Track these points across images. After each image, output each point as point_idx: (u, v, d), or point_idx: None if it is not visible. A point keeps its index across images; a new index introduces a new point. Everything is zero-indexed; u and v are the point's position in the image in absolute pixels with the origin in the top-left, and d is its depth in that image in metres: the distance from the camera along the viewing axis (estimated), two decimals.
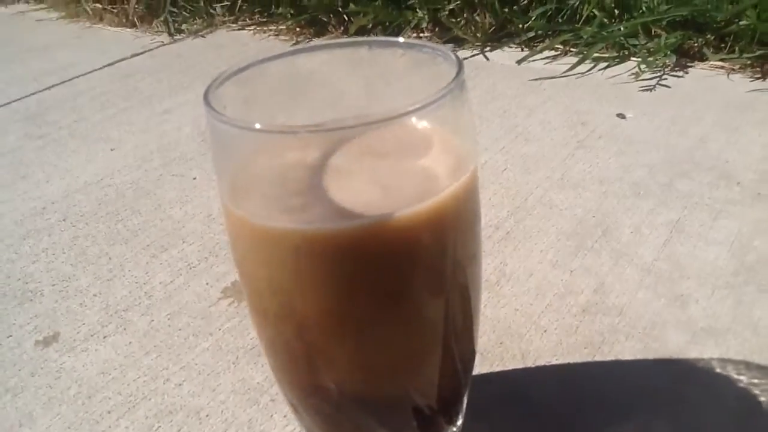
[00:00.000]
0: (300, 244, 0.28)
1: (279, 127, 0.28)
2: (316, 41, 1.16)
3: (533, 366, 0.47)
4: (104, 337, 0.54)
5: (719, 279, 0.53)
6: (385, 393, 0.34)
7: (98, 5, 1.45)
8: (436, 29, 1.11)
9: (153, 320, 0.55)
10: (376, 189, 0.30)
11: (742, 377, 0.45)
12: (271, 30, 1.25)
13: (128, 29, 1.37)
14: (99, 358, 0.52)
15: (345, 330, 0.31)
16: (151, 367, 0.50)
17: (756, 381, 0.44)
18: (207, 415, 0.46)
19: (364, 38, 0.38)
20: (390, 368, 0.32)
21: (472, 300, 0.35)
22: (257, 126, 0.27)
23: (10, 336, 0.55)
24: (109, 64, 1.17)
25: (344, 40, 0.38)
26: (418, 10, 1.11)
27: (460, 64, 0.31)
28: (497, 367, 0.47)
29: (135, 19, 1.37)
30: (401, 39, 0.35)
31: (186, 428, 0.45)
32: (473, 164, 0.32)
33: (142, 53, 1.22)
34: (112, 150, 0.86)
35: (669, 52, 0.91)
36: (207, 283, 0.59)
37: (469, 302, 0.35)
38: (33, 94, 1.07)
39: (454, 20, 1.08)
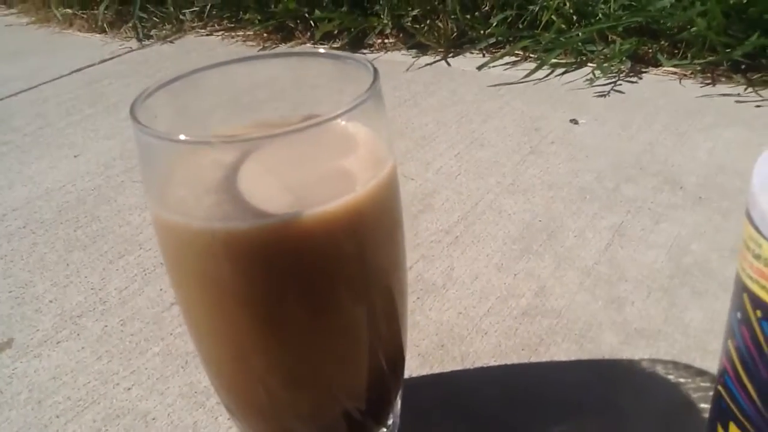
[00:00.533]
0: (212, 242, 0.29)
1: (195, 138, 0.29)
2: (282, 47, 1.17)
3: (472, 368, 0.49)
4: (57, 343, 0.55)
5: (655, 282, 0.55)
6: (310, 397, 0.35)
7: (68, 11, 1.45)
8: (400, 35, 1.13)
9: (106, 326, 0.56)
10: (292, 189, 0.31)
11: (669, 377, 0.46)
12: (239, 36, 1.26)
13: (98, 35, 1.37)
14: (51, 363, 0.53)
15: (263, 333, 0.32)
16: (102, 372, 0.52)
17: (682, 380, 0.46)
18: (153, 419, 0.47)
19: (294, 50, 0.39)
20: (312, 372, 0.34)
21: (397, 303, 0.37)
22: (181, 137, 0.29)
23: None
24: (76, 70, 1.17)
25: (275, 52, 0.40)
26: (382, 16, 1.12)
27: (375, 73, 0.32)
28: (437, 369, 0.49)
29: (104, 24, 1.38)
30: (323, 50, 0.37)
31: (132, 431, 0.46)
32: (389, 165, 0.33)
33: (110, 59, 1.22)
34: (75, 156, 0.87)
35: (624, 58, 0.94)
36: (161, 289, 0.60)
37: (393, 305, 0.36)
38: (0, 99, 1.08)
39: (417, 26, 1.10)
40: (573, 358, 0.49)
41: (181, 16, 1.34)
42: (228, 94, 0.37)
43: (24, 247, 0.69)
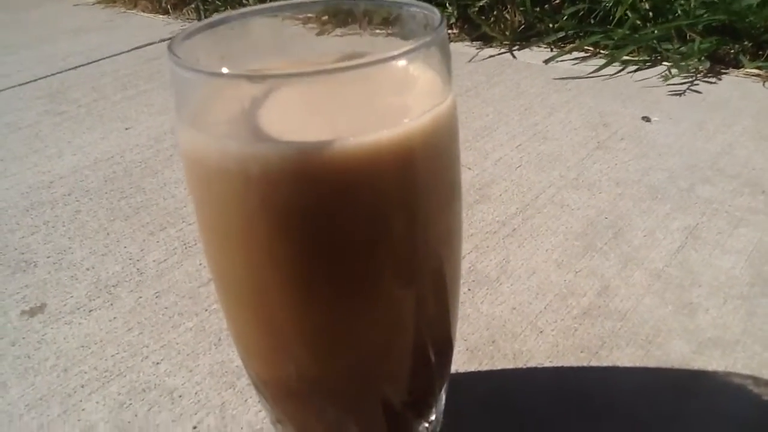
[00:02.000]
0: (244, 171, 0.26)
1: (244, 72, 0.26)
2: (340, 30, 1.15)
3: (524, 367, 0.45)
4: (90, 311, 0.53)
5: (733, 288, 0.50)
6: (342, 374, 0.31)
7: None
8: (465, 26, 1.09)
9: (141, 297, 0.54)
10: (339, 119, 0.27)
11: (747, 393, 0.41)
12: (299, 18, 1.23)
13: (161, 16, 1.37)
14: (81, 331, 0.51)
15: (294, 287, 0.28)
16: (132, 344, 0.49)
17: (762, 398, 0.41)
18: (180, 396, 0.44)
19: None
20: (346, 344, 0.30)
21: (448, 277, 0.32)
22: (224, 71, 0.26)
23: None
24: (136, 48, 1.17)
25: None
26: (447, 5, 1.08)
27: (441, 17, 0.29)
28: (485, 366, 0.45)
29: (168, 6, 1.38)
30: None
31: (157, 407, 0.43)
32: (447, 102, 0.29)
33: (170, 38, 1.21)
34: (126, 129, 0.85)
35: (703, 58, 0.88)
36: (200, 263, 0.57)
37: (443, 278, 0.32)
38: (59, 72, 1.08)
39: (483, 17, 1.06)
40: (638, 364, 0.44)
41: (243, 0, 1.33)
42: (273, 37, 0.34)
43: (67, 214, 0.67)
